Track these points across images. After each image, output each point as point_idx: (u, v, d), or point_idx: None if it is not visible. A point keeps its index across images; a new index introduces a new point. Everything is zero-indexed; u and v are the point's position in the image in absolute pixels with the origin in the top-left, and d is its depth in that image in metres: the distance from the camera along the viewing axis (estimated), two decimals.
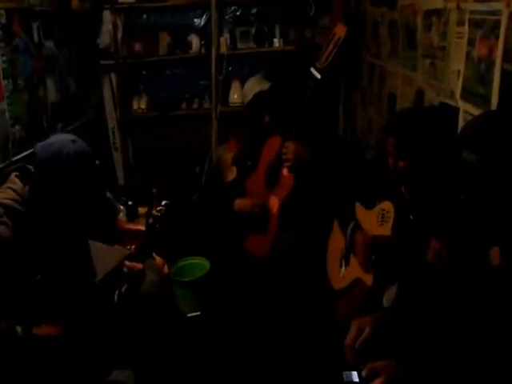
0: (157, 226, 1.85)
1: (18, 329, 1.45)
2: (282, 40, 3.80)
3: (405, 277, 1.58)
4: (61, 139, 1.58)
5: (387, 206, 1.77)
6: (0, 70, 2.39)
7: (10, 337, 1.43)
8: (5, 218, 1.49)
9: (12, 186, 1.57)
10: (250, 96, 2.69)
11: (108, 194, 1.68)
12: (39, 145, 1.57)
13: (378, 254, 1.78)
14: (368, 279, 1.81)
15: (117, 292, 1.79)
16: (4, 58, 2.43)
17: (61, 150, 1.52)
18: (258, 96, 2.69)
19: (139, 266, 1.78)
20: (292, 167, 2.45)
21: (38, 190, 1.56)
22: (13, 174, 1.62)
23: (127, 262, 1.83)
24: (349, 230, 1.96)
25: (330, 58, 2.22)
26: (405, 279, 1.57)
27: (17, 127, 2.53)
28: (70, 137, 1.60)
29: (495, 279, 1.11)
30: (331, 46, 2.21)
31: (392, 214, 1.73)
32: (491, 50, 1.51)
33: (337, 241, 2.13)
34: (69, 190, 1.54)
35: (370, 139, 3.02)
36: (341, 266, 2.06)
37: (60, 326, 1.56)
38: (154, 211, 1.93)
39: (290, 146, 2.42)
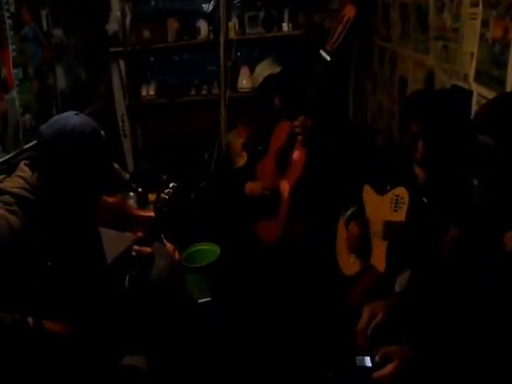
0: (165, 209, 1.84)
1: (30, 320, 1.45)
2: (290, 24, 3.76)
3: (418, 262, 1.57)
4: (64, 115, 1.57)
5: (401, 191, 1.75)
6: (10, 58, 2.39)
7: (22, 328, 1.43)
8: (15, 208, 1.49)
9: (21, 174, 1.56)
10: (259, 79, 2.67)
11: (115, 165, 1.66)
12: (43, 126, 1.56)
13: (391, 239, 1.77)
14: (380, 265, 1.81)
15: (127, 277, 1.80)
16: (13, 47, 2.43)
17: (66, 125, 1.51)
18: (269, 78, 2.67)
19: (147, 249, 1.77)
20: (304, 140, 2.43)
21: (46, 171, 1.54)
22: (22, 163, 1.61)
23: (135, 247, 1.82)
24: (346, 216, 1.96)
25: (340, 39, 2.19)
26: (418, 264, 1.56)
27: (27, 116, 2.55)
28: (72, 112, 1.59)
29: (509, 264, 1.10)
30: (340, 28, 2.19)
31: (406, 200, 1.72)
32: (506, 31, 1.47)
33: None
34: (77, 163, 1.51)
35: (381, 124, 2.99)
36: (351, 252, 2.05)
37: (68, 323, 1.55)
38: (161, 194, 1.92)
39: (299, 119, 2.41)
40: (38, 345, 1.47)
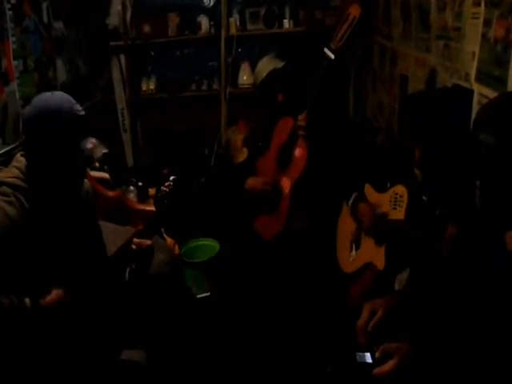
0: (165, 201, 1.84)
1: (27, 301, 1.45)
2: (291, 21, 3.76)
3: (418, 260, 1.57)
4: (42, 97, 1.57)
5: (400, 189, 1.76)
6: (10, 50, 2.39)
7: (20, 310, 1.43)
8: (12, 198, 1.49)
9: (16, 164, 1.58)
10: (263, 74, 2.66)
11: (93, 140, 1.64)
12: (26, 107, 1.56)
13: (390, 238, 1.77)
14: (380, 263, 1.81)
15: (128, 269, 1.80)
16: (14, 39, 2.43)
17: (46, 105, 1.51)
18: (273, 73, 2.66)
19: (147, 242, 1.78)
20: (305, 135, 2.43)
21: (30, 152, 1.54)
22: (18, 154, 1.62)
23: (135, 239, 1.83)
24: (351, 202, 1.96)
25: (345, 38, 2.19)
26: (417, 263, 1.57)
27: None
28: (48, 92, 1.59)
29: (510, 263, 1.10)
30: (345, 26, 2.18)
31: (405, 199, 1.72)
32: (508, 31, 1.48)
33: (346, 224, 2.12)
34: (57, 139, 1.50)
35: (381, 121, 3.00)
36: (351, 250, 2.06)
37: (65, 291, 1.54)
38: (162, 187, 1.93)
39: (303, 115, 2.41)
40: (37, 326, 1.47)
